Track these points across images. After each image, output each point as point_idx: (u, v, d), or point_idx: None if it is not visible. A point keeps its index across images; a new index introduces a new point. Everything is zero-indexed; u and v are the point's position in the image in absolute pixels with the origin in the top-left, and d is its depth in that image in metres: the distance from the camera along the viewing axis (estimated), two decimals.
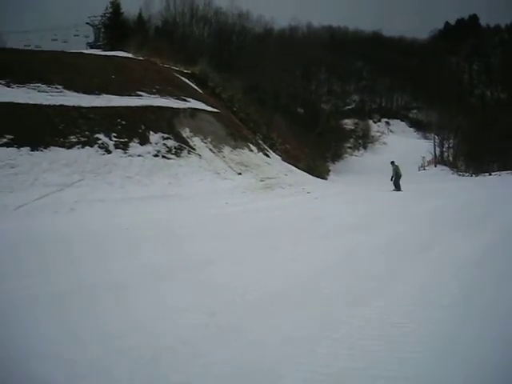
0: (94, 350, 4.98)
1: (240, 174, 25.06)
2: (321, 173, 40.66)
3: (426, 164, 63.53)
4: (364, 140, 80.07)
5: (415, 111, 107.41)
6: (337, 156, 67.86)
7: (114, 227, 13.60)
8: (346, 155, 71.65)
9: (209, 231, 13.45)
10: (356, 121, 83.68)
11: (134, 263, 8.94)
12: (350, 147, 75.21)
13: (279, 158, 34.20)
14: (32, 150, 18.53)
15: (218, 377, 4.47)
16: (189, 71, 38.17)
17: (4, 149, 17.88)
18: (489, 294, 6.78)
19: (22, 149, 18.30)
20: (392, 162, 29.53)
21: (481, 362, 4.64)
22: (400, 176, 28.54)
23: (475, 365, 4.60)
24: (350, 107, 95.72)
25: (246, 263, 8.94)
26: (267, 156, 31.32)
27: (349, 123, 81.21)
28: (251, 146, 30.27)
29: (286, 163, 33.15)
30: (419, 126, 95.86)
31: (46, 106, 21.30)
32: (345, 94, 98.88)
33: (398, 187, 27.95)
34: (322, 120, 64.71)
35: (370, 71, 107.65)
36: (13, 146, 18.16)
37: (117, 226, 13.65)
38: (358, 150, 77.09)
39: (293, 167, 33.10)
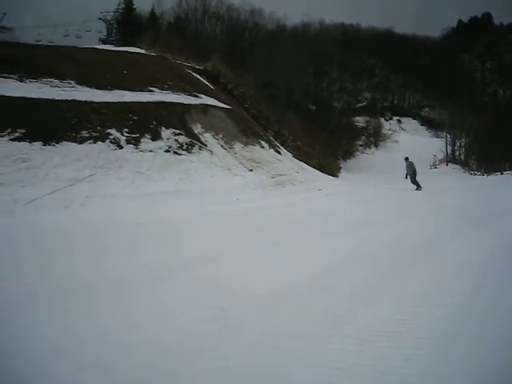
0: (95, 346, 5.01)
1: (251, 170, 25.04)
2: (332, 170, 40.67)
3: (438, 162, 63.23)
4: (375, 138, 79.93)
5: (427, 109, 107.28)
6: (348, 153, 67.76)
7: (124, 222, 13.65)
8: (358, 153, 71.52)
9: (218, 227, 13.46)
10: (368, 118, 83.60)
11: (141, 260, 8.96)
12: (361, 145, 75.09)
13: (290, 154, 34.20)
14: (44, 145, 18.59)
15: (223, 371, 4.48)
16: (201, 67, 38.19)
17: (16, 143, 17.95)
18: (489, 294, 6.76)
19: (34, 143, 18.36)
20: (406, 158, 28.04)
21: (482, 360, 4.66)
22: (416, 173, 27.03)
23: (477, 361, 4.62)
24: (361, 105, 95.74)
25: (254, 259, 8.94)
26: (278, 153, 31.29)
27: (360, 121, 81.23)
28: (263, 142, 30.25)
29: (297, 160, 33.13)
30: (431, 125, 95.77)
31: (58, 100, 21.36)
32: (357, 91, 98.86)
33: (417, 185, 26.50)
34: (334, 117, 64.79)
35: (383, 69, 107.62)
36: (25, 141, 18.22)
37: (127, 222, 13.70)
38: (370, 147, 76.93)
39: (304, 164, 33.05)
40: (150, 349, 4.96)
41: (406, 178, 27.05)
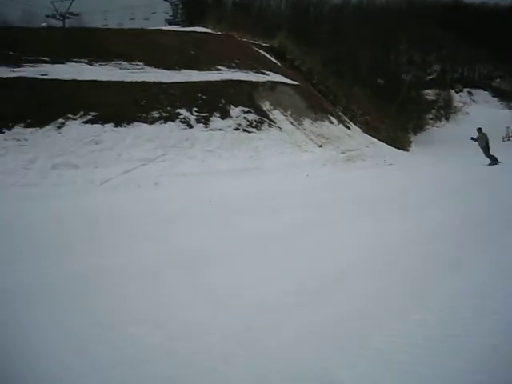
0: (206, 310, 5.03)
1: (321, 146, 24.86)
2: (402, 144, 39.91)
3: (511, 134, 61.45)
4: (446, 110, 78.00)
5: (498, 80, 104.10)
6: (418, 127, 66.26)
7: (197, 200, 13.80)
8: (428, 126, 69.83)
9: (292, 202, 13.46)
10: (437, 91, 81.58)
11: (219, 234, 9.06)
12: (431, 118, 73.33)
13: (360, 129, 33.75)
14: (115, 126, 18.89)
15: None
16: (267, 44, 37.98)
17: (89, 125, 18.31)
18: None
19: (105, 125, 18.69)
20: (479, 129, 25.78)
21: None
22: (489, 145, 24.55)
23: None
24: (431, 77, 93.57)
25: (332, 233, 8.87)
26: (348, 128, 30.95)
27: (430, 93, 79.32)
28: (331, 118, 29.95)
29: (366, 135, 32.70)
30: (503, 96, 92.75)
31: (127, 82, 21.63)
32: (425, 63, 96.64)
33: (492, 158, 23.83)
34: (403, 91, 63.56)
35: (451, 39, 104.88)
36: (97, 123, 18.58)
37: (201, 199, 13.84)
38: (440, 120, 75.12)
39: (374, 139, 32.61)
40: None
41: (472, 139, 25.40)
